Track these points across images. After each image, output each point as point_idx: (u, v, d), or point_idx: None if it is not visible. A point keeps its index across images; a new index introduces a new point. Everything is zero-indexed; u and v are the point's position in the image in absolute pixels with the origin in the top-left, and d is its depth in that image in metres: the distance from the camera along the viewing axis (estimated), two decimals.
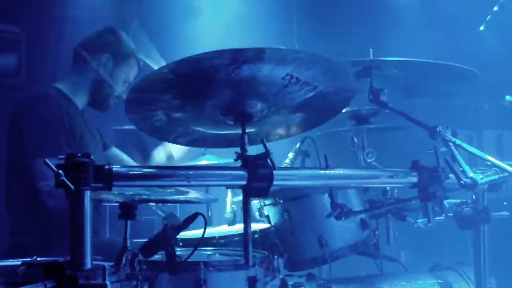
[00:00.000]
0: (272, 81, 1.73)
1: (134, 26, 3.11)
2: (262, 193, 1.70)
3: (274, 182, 1.68)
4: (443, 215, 2.18)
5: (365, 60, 2.35)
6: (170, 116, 1.87)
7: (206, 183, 1.76)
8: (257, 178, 1.67)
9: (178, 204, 3.57)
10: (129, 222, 1.75)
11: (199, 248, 2.19)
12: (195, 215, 1.84)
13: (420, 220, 2.54)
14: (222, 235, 2.70)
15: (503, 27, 4.95)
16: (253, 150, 1.76)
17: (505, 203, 2.94)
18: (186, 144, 2.13)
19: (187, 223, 1.83)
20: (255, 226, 2.76)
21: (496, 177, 2.10)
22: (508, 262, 3.54)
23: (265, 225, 2.76)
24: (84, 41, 2.91)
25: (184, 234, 2.59)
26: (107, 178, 1.46)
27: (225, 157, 3.50)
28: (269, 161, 1.68)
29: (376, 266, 2.88)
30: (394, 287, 2.60)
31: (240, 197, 2.60)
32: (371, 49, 2.38)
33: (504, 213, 2.54)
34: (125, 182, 1.54)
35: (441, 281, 2.66)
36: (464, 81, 2.61)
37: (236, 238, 2.65)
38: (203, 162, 3.53)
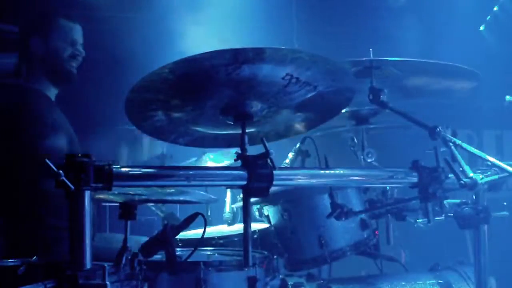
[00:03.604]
0: (272, 81, 1.73)
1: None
2: (262, 193, 1.70)
3: (274, 182, 1.68)
4: (443, 215, 2.17)
5: (365, 60, 2.34)
6: (170, 116, 1.87)
7: (206, 183, 1.76)
8: (257, 178, 1.67)
9: (178, 204, 3.56)
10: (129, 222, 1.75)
11: (199, 248, 2.20)
12: (195, 215, 1.84)
13: (420, 220, 2.53)
14: (221, 235, 2.70)
15: (503, 27, 4.96)
16: (253, 150, 1.76)
17: (505, 203, 2.93)
18: (186, 145, 2.13)
19: (187, 223, 1.83)
20: (255, 226, 2.76)
21: (496, 177, 2.10)
22: (508, 262, 3.54)
23: (265, 225, 2.77)
24: None
25: (184, 234, 2.59)
26: (107, 178, 1.46)
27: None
28: (269, 161, 1.68)
29: (376, 266, 2.88)
30: (394, 287, 2.60)
31: (241, 203, 2.60)
32: (371, 49, 2.38)
33: (504, 213, 2.53)
34: (125, 182, 1.54)
35: (441, 281, 2.66)
36: (465, 81, 2.61)
37: (236, 238, 2.65)
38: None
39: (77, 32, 2.89)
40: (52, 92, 2.88)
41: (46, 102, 2.78)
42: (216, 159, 3.58)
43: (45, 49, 2.81)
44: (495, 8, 4.99)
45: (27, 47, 2.82)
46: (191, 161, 3.55)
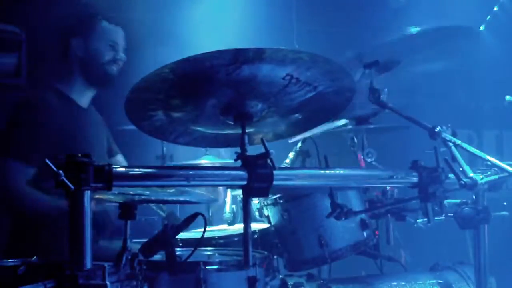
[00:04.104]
0: (272, 81, 1.73)
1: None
2: (262, 193, 1.70)
3: (274, 182, 1.68)
4: (443, 215, 2.17)
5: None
6: (170, 116, 1.87)
7: (206, 183, 1.76)
8: (257, 178, 1.67)
9: (178, 204, 3.56)
10: (129, 222, 1.75)
11: (199, 248, 2.20)
12: (195, 215, 1.84)
13: (420, 220, 2.53)
14: (222, 235, 2.70)
15: (503, 27, 4.96)
16: (253, 150, 1.76)
17: (505, 203, 2.94)
18: (186, 144, 2.13)
19: (187, 223, 1.83)
20: (255, 226, 2.76)
21: (496, 177, 2.10)
22: (508, 262, 3.54)
23: (265, 225, 2.77)
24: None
25: (184, 234, 2.59)
26: (107, 178, 1.46)
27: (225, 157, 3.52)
28: (269, 161, 1.68)
29: (376, 266, 2.88)
30: (394, 287, 2.60)
31: (238, 191, 2.59)
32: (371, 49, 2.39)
33: (504, 213, 2.53)
34: (125, 182, 1.54)
35: (441, 281, 2.66)
36: (463, 39, 2.59)
37: (236, 238, 2.66)
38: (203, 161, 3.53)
39: (120, 36, 2.88)
40: (87, 95, 2.88)
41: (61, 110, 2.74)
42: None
43: (85, 51, 2.80)
44: (495, 8, 5.00)
45: (67, 48, 2.81)
46: None
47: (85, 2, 3.02)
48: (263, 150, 1.69)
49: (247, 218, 1.72)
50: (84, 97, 2.86)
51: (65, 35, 2.84)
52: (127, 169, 1.56)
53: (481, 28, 4.95)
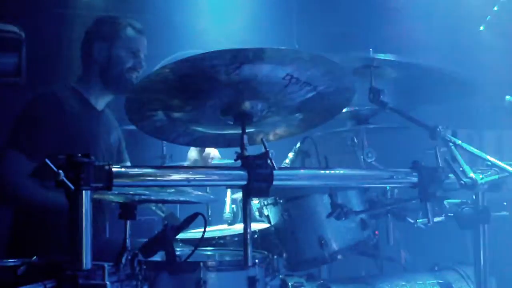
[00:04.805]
0: (272, 81, 1.73)
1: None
2: (262, 193, 1.70)
3: (274, 182, 1.68)
4: (443, 215, 2.17)
5: (365, 57, 2.34)
6: (170, 116, 1.87)
7: (206, 183, 1.76)
8: (257, 178, 1.67)
9: (178, 204, 3.56)
10: (128, 222, 1.75)
11: (199, 248, 2.20)
12: (195, 215, 1.84)
13: (420, 220, 2.53)
14: (222, 235, 2.70)
15: (503, 27, 4.95)
16: (253, 150, 1.76)
17: (505, 203, 2.93)
18: (186, 144, 2.13)
19: (187, 223, 1.83)
20: (255, 226, 2.76)
21: (496, 177, 2.10)
22: (508, 262, 3.54)
23: (265, 225, 2.77)
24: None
25: (184, 234, 2.59)
26: (107, 178, 1.46)
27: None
28: (269, 161, 1.68)
29: (376, 266, 2.88)
30: (394, 287, 2.60)
31: (240, 194, 2.59)
32: (371, 49, 2.39)
33: (504, 213, 2.53)
34: (125, 182, 1.54)
35: (441, 281, 2.66)
36: (463, 86, 2.61)
37: (236, 238, 2.66)
38: None
39: (142, 44, 2.88)
40: (104, 99, 2.89)
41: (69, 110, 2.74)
42: None
43: (107, 56, 2.81)
44: (495, 8, 4.99)
45: (90, 51, 2.82)
46: None
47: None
48: (263, 150, 1.70)
49: (247, 218, 1.72)
50: (100, 100, 2.87)
51: (89, 38, 2.85)
52: (127, 169, 1.56)
53: (481, 28, 4.95)
